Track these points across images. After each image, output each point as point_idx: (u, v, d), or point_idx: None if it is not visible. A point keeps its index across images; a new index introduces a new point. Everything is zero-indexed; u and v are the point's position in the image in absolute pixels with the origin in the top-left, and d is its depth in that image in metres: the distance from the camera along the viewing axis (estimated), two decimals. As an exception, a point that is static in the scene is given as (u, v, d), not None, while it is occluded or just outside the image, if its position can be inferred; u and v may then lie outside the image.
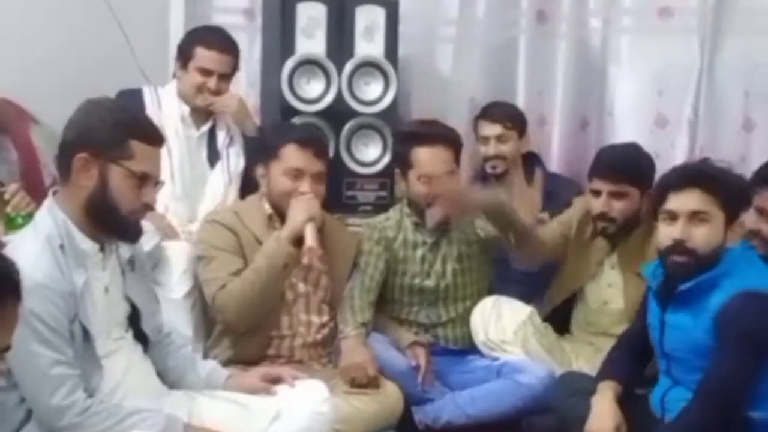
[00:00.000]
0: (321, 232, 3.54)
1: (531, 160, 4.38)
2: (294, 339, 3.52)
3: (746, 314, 2.79)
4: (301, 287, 3.57)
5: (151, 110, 3.88)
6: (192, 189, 3.97)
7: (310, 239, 3.35)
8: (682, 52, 4.63)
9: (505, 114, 4.26)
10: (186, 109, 4.00)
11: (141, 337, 2.82)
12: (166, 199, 3.81)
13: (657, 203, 3.00)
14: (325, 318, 3.61)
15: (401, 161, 3.79)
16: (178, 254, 3.59)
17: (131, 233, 2.71)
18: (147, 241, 3.31)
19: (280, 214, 3.52)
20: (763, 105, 4.55)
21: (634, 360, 3.25)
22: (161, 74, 4.23)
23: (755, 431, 2.81)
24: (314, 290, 3.61)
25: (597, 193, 3.70)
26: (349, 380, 3.33)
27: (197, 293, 3.60)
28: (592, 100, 4.74)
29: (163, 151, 3.75)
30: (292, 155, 3.51)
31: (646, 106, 4.68)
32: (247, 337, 3.46)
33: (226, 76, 4.02)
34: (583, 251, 3.85)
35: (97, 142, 2.57)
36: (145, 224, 3.02)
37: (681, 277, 2.93)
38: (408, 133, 3.85)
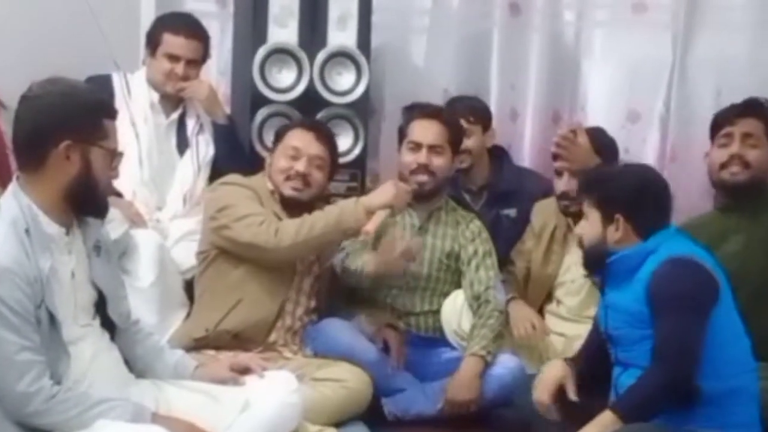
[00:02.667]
0: None
1: (498, 154, 4.35)
2: (279, 317, 3.52)
3: (677, 277, 2.86)
4: (298, 266, 3.58)
5: (120, 96, 3.88)
6: (160, 176, 3.94)
7: (373, 224, 3.36)
8: (655, 47, 4.66)
9: (467, 108, 4.23)
10: (155, 96, 3.98)
11: (108, 324, 2.77)
12: (133, 185, 3.80)
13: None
14: (313, 304, 3.62)
15: (400, 135, 3.86)
16: (146, 242, 3.57)
17: (104, 209, 2.72)
18: (114, 229, 3.31)
19: (279, 193, 3.58)
20: (734, 100, 4.54)
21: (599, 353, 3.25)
22: (132, 61, 4.19)
23: (706, 401, 2.81)
24: (307, 273, 3.62)
25: (560, 174, 3.82)
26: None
27: (165, 282, 3.58)
28: (565, 94, 4.75)
29: (132, 137, 3.82)
30: (293, 136, 3.61)
31: (618, 101, 4.70)
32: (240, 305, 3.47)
33: (195, 63, 4.00)
34: (548, 247, 3.92)
35: (79, 127, 2.56)
36: (113, 212, 3.01)
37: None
38: (409, 107, 3.94)
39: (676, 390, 2.80)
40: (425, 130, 3.75)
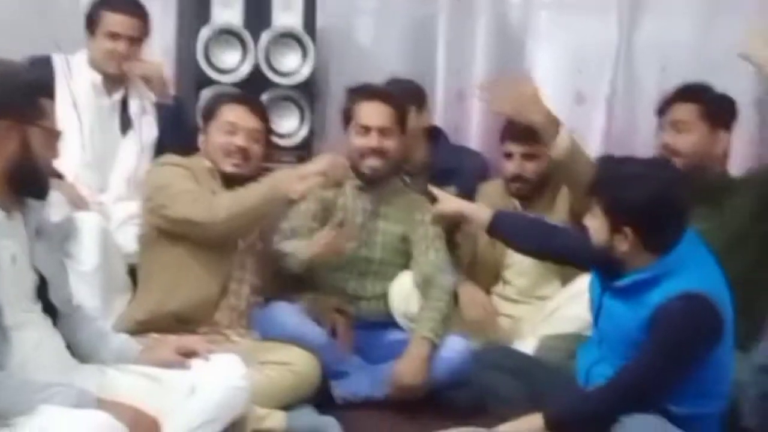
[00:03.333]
0: None
1: (434, 134, 4.33)
2: (223, 296, 3.48)
3: (681, 320, 2.72)
4: (240, 243, 3.55)
5: (61, 78, 3.84)
6: (103, 158, 3.90)
7: (304, 185, 3.30)
8: (601, 30, 4.67)
9: (401, 90, 4.14)
10: (97, 77, 3.93)
11: (50, 310, 2.72)
12: (76, 167, 3.75)
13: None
14: (257, 283, 3.58)
15: (345, 118, 3.81)
16: (89, 226, 3.50)
17: (44, 190, 2.68)
18: (56, 212, 3.25)
19: (218, 170, 3.54)
20: (679, 81, 4.57)
21: (538, 228, 3.36)
22: (74, 42, 4.09)
23: (673, 421, 2.77)
24: (250, 250, 3.58)
25: (510, 156, 3.83)
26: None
27: (108, 266, 3.53)
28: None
29: (74, 118, 3.76)
30: (227, 111, 3.56)
31: (564, 83, 4.71)
32: (179, 284, 3.43)
33: (136, 40, 3.95)
34: None
35: (16, 107, 2.53)
36: (55, 195, 2.96)
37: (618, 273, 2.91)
38: (354, 89, 3.88)
39: (614, 419, 2.73)
40: (373, 113, 3.71)
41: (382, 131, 3.69)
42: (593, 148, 4.55)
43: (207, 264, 3.46)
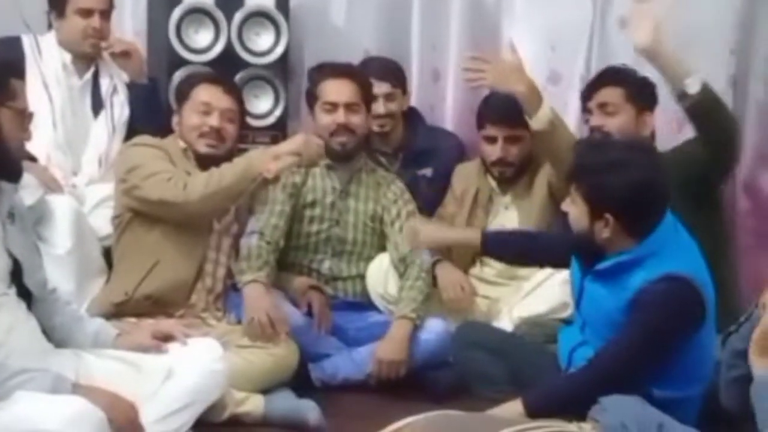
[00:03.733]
0: None
1: (410, 115, 4.30)
2: (198, 279, 3.46)
3: (662, 303, 2.72)
4: (216, 225, 3.52)
5: (31, 58, 3.81)
6: (75, 138, 3.85)
7: (277, 164, 3.33)
8: (576, 9, 4.63)
9: (388, 71, 4.15)
10: (68, 57, 3.89)
11: (24, 294, 2.69)
12: (48, 149, 3.71)
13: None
14: (233, 265, 3.54)
15: (310, 97, 3.81)
16: (62, 208, 3.47)
17: (17, 172, 2.66)
18: (29, 195, 3.21)
19: (193, 151, 3.52)
20: (654, 60, 4.58)
21: (523, 242, 3.36)
22: (44, 23, 4.04)
23: (654, 403, 2.74)
24: (225, 232, 3.55)
25: (492, 140, 3.78)
26: (248, 328, 3.31)
27: (82, 249, 3.50)
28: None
29: (45, 99, 3.72)
30: (201, 92, 3.54)
31: (539, 63, 4.65)
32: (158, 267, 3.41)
33: (106, 13, 3.91)
34: (471, 212, 3.88)
35: None
36: (28, 177, 2.92)
37: (598, 258, 2.89)
38: (317, 68, 3.88)
39: (593, 401, 2.68)
40: (339, 90, 3.71)
41: (349, 107, 3.69)
42: (569, 126, 4.53)
43: (182, 246, 3.43)
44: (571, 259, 3.07)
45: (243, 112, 3.69)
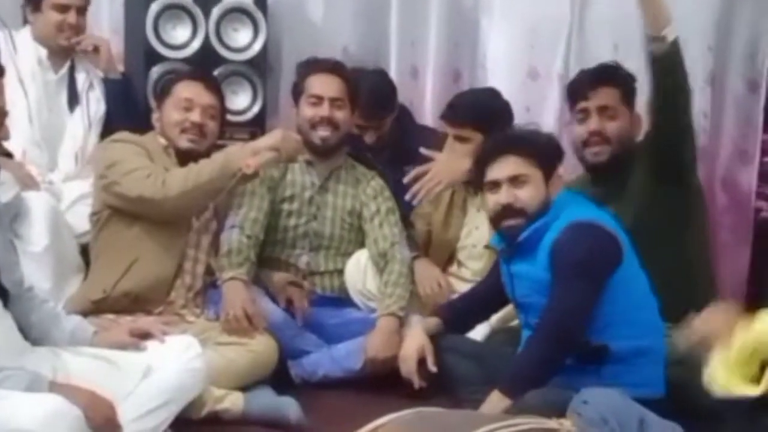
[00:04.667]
0: None
1: (399, 112, 4.26)
2: (177, 277, 3.42)
3: (577, 243, 2.86)
4: (195, 222, 3.50)
5: (5, 54, 3.76)
6: (51, 134, 3.85)
7: (256, 160, 3.27)
8: (554, 5, 4.65)
9: (380, 105, 4.11)
10: (43, 52, 3.88)
11: (0, 292, 2.66)
12: (24, 144, 3.69)
13: (478, 179, 3.11)
14: (212, 261, 3.52)
15: (296, 91, 3.79)
16: (39, 205, 3.43)
17: None
18: (5, 192, 3.19)
19: (174, 148, 3.49)
20: (632, 58, 4.56)
21: (473, 307, 3.39)
22: (19, 17, 4.04)
23: (613, 359, 2.85)
24: (204, 230, 3.53)
25: (447, 137, 3.78)
26: (225, 323, 3.31)
27: (59, 246, 3.47)
28: (465, 52, 4.72)
29: (20, 95, 3.69)
30: (182, 88, 3.52)
31: (518, 59, 4.70)
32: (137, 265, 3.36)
33: (82, 9, 3.91)
34: (448, 211, 3.86)
35: None
36: (3, 174, 2.90)
37: (517, 236, 2.99)
38: (305, 62, 3.87)
39: (559, 357, 2.83)
40: (326, 84, 3.71)
41: (334, 102, 3.69)
42: (547, 123, 4.53)
43: (161, 244, 3.40)
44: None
45: (224, 108, 3.67)
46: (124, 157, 3.39)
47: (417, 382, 3.23)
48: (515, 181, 2.99)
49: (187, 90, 3.50)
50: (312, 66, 3.79)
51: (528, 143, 3.04)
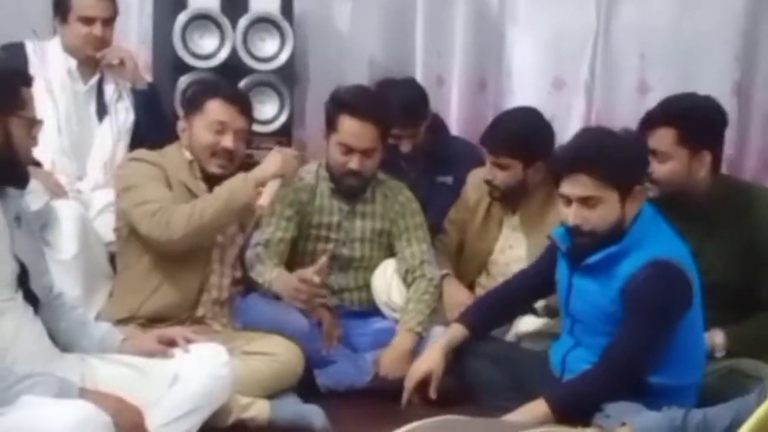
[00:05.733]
0: None
1: (434, 122, 4.27)
2: (203, 291, 3.40)
3: (653, 285, 2.81)
4: (219, 237, 3.44)
5: (35, 64, 3.79)
6: (80, 144, 3.85)
7: (267, 196, 3.21)
8: (579, 14, 4.67)
9: (412, 112, 4.08)
10: (73, 63, 3.89)
11: (30, 298, 2.69)
12: (52, 154, 3.72)
13: (556, 180, 3.00)
14: (239, 274, 3.51)
15: (328, 121, 3.65)
16: (68, 213, 3.46)
17: (24, 179, 2.67)
18: (35, 200, 3.20)
19: (200, 167, 3.41)
20: (657, 68, 4.60)
21: (500, 307, 3.36)
22: (47, 28, 4.05)
23: (652, 393, 2.85)
24: (230, 243, 3.49)
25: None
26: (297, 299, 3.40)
27: (88, 254, 3.49)
28: (491, 62, 4.74)
29: (50, 105, 3.72)
30: (217, 109, 3.40)
31: (544, 68, 4.71)
32: (163, 282, 3.34)
33: (109, 21, 3.91)
34: (484, 222, 3.84)
35: None
36: (33, 183, 2.92)
37: (588, 252, 2.94)
38: (341, 97, 3.64)
39: (613, 395, 2.81)
40: (359, 135, 3.56)
41: (366, 152, 3.59)
42: (572, 132, 4.52)
43: (185, 263, 3.36)
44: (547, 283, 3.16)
45: (251, 127, 3.61)
46: (138, 182, 3.32)
47: (404, 399, 3.25)
48: (586, 201, 2.88)
49: (222, 113, 3.40)
50: (348, 106, 3.59)
51: (602, 164, 2.86)
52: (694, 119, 3.26)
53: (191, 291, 3.39)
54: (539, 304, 3.54)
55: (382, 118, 3.61)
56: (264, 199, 3.22)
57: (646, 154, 3.12)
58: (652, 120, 3.29)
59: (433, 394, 3.22)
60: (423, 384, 3.24)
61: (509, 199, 3.75)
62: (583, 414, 2.79)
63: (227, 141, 3.38)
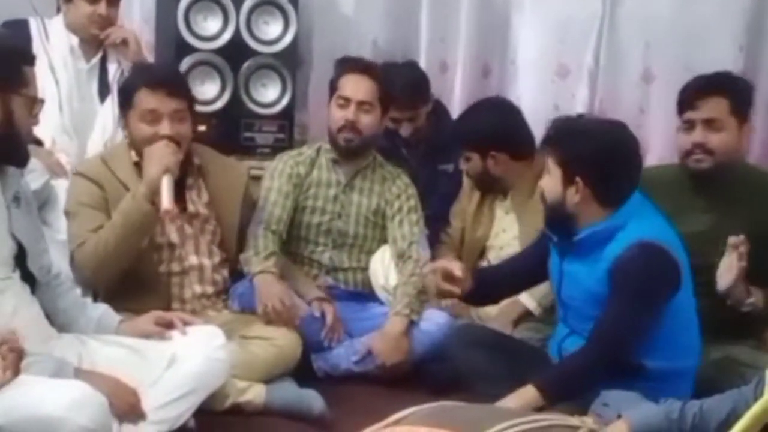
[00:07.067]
0: (202, 174, 3.41)
1: (435, 108, 4.27)
2: (185, 286, 3.35)
3: (640, 265, 2.81)
4: (188, 229, 3.36)
5: (38, 41, 3.79)
6: (81, 123, 3.85)
7: (166, 199, 3.05)
8: (585, 2, 4.63)
9: (413, 95, 4.11)
10: (75, 41, 3.89)
11: (28, 278, 2.69)
12: (53, 133, 3.72)
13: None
14: (217, 259, 3.44)
15: (331, 87, 3.72)
16: (67, 193, 3.44)
17: (24, 158, 2.67)
18: (35, 179, 3.21)
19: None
20: (662, 56, 4.57)
21: (493, 286, 3.30)
22: (51, 6, 4.06)
23: (648, 377, 2.86)
24: (201, 233, 3.41)
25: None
26: (264, 315, 3.31)
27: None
28: (495, 48, 4.71)
29: (51, 82, 3.71)
30: (144, 99, 3.23)
31: (548, 56, 4.67)
32: (137, 284, 3.23)
33: (114, 0, 3.90)
34: (479, 208, 3.86)
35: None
36: (33, 162, 2.92)
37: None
38: (341, 60, 3.81)
39: (601, 375, 2.83)
40: (356, 86, 3.63)
41: (361, 105, 3.62)
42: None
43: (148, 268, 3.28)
44: (540, 270, 3.15)
45: (192, 102, 3.40)
46: (71, 208, 3.22)
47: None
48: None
49: (150, 101, 3.22)
50: (345, 65, 3.74)
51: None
52: (742, 90, 3.32)
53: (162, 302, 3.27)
54: (532, 304, 3.57)
55: (379, 76, 3.67)
56: (165, 202, 3.06)
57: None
58: (703, 89, 3.26)
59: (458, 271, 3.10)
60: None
61: (490, 188, 3.80)
62: (571, 396, 2.80)
63: (163, 128, 3.21)
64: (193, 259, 3.38)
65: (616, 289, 2.83)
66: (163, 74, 3.41)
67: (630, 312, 2.82)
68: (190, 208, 3.36)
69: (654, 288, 2.83)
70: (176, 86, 3.32)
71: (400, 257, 3.65)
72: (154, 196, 3.08)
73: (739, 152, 3.32)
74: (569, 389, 2.83)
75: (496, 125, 3.74)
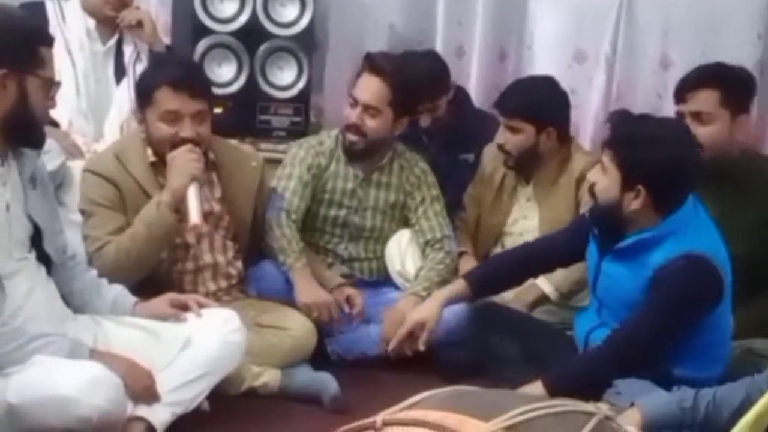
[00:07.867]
0: (216, 168, 3.36)
1: (457, 95, 4.23)
2: (198, 284, 3.33)
3: (682, 279, 2.74)
4: (203, 227, 3.27)
5: (54, 23, 3.78)
6: (97, 105, 3.84)
7: (195, 213, 3.03)
8: (602, -14, 4.60)
9: (433, 86, 4.04)
10: (91, 23, 3.88)
11: (44, 259, 2.69)
12: (69, 114, 3.71)
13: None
14: (231, 254, 3.41)
15: (352, 84, 3.65)
16: (83, 174, 3.44)
17: (41, 139, 2.67)
18: (51, 161, 3.20)
19: (162, 162, 3.18)
20: (680, 43, 4.54)
21: (510, 270, 3.29)
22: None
23: (673, 382, 2.74)
24: (215, 230, 3.38)
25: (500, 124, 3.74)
26: (313, 318, 3.33)
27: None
28: (512, 33, 4.68)
29: (68, 64, 3.71)
30: (166, 98, 3.16)
31: (565, 41, 4.64)
32: (151, 282, 3.16)
33: None
34: (498, 194, 3.83)
35: (13, 56, 2.51)
36: (49, 143, 2.92)
37: (619, 237, 2.88)
38: (366, 55, 3.66)
39: (611, 379, 2.75)
40: (365, 88, 3.54)
41: (367, 108, 3.54)
42: (593, 106, 4.52)
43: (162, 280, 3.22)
44: (576, 254, 3.11)
45: (211, 102, 3.36)
46: (87, 207, 3.19)
47: (391, 347, 3.21)
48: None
49: (172, 101, 3.16)
50: (365, 62, 3.59)
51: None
52: (736, 81, 3.32)
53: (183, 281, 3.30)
54: (549, 289, 3.54)
55: (395, 78, 3.53)
56: (194, 217, 3.04)
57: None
58: (693, 82, 3.30)
59: (421, 345, 3.17)
60: (412, 336, 3.19)
61: (522, 168, 3.74)
62: (581, 396, 2.76)
63: (185, 130, 3.16)
64: (207, 258, 3.35)
65: (653, 297, 2.78)
66: (185, 73, 3.30)
67: (659, 324, 2.77)
68: (205, 206, 3.24)
69: (691, 304, 2.77)
70: (200, 87, 3.26)
71: (431, 246, 3.64)
72: (178, 204, 3.06)
73: (732, 144, 3.29)
74: (578, 390, 2.71)
75: (560, 101, 3.72)
